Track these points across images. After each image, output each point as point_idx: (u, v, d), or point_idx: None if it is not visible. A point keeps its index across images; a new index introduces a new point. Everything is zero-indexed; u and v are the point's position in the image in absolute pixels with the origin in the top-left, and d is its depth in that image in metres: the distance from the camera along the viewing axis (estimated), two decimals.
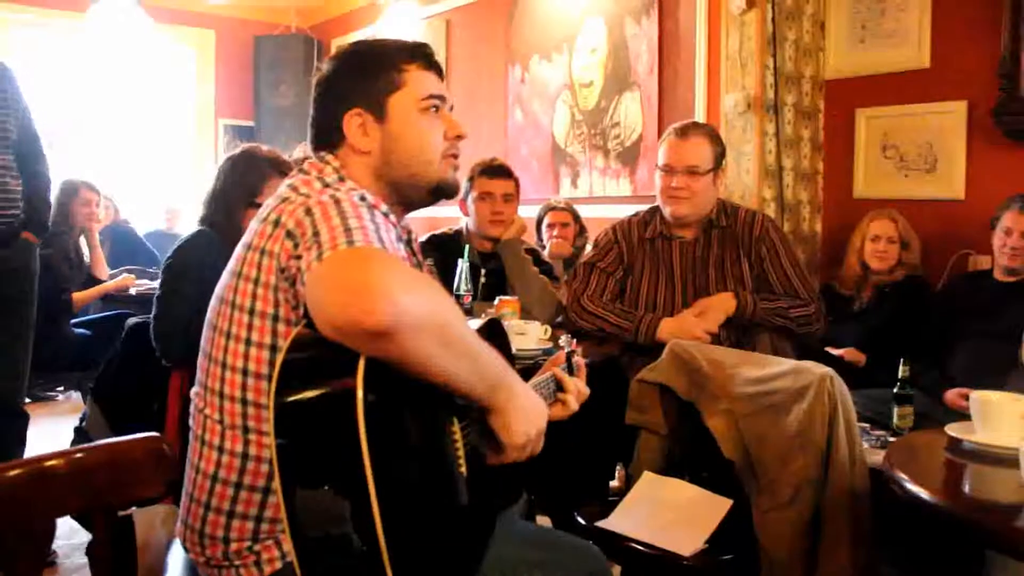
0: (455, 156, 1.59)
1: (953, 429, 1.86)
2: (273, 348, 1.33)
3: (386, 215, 1.40)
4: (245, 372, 1.34)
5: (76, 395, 5.58)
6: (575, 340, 1.76)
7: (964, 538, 1.75)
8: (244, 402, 1.34)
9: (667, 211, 2.84)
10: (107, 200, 5.99)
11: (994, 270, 3.21)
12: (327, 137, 1.54)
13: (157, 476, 1.37)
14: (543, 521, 2.71)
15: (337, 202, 1.30)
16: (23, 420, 3.28)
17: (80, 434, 2.77)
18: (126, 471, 1.34)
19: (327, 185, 1.43)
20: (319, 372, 1.15)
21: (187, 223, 2.84)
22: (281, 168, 2.51)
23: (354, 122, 1.51)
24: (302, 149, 3.42)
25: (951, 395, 2.84)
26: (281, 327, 1.32)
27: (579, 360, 1.69)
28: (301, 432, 1.13)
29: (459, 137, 1.58)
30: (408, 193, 1.56)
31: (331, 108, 1.54)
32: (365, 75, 1.53)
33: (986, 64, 3.52)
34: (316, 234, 1.24)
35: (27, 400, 3.45)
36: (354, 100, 1.52)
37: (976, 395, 1.85)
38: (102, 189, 6.08)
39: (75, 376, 5.12)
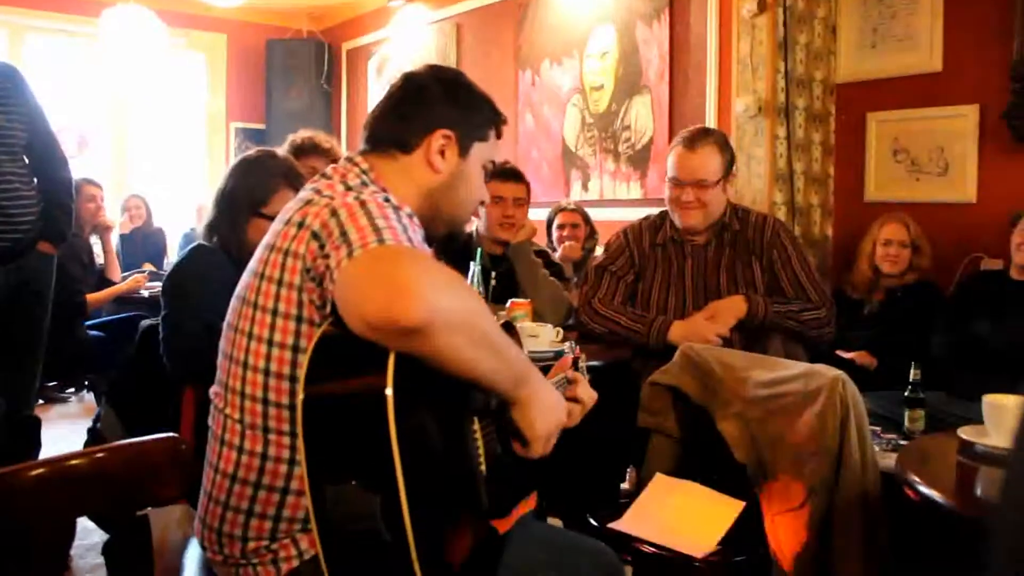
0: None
1: (966, 432, 1.87)
2: (295, 349, 1.34)
3: (410, 216, 1.41)
4: (267, 372, 1.35)
5: (88, 396, 5.60)
6: (578, 347, 1.78)
7: (975, 541, 1.76)
8: (265, 402, 1.35)
9: (677, 221, 2.84)
10: (138, 200, 6.07)
11: (1010, 269, 3.19)
12: (397, 136, 1.55)
13: (176, 476, 1.39)
14: (554, 522, 2.71)
15: (363, 203, 1.31)
16: (36, 424, 3.29)
17: (94, 436, 2.78)
18: (146, 471, 1.36)
19: (349, 188, 1.44)
20: (348, 369, 1.17)
21: None
22: (293, 181, 2.49)
23: (440, 141, 1.54)
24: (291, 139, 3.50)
25: None
26: (304, 328, 1.33)
27: (583, 366, 1.72)
28: (330, 428, 1.15)
29: (482, 203, 1.71)
30: (435, 224, 1.59)
31: (423, 115, 1.55)
32: (470, 111, 1.59)
33: (998, 68, 3.52)
34: (344, 234, 1.25)
35: (39, 402, 3.44)
36: (451, 123, 1.55)
37: (989, 399, 1.85)
38: (140, 193, 6.20)
39: (87, 377, 5.14)
